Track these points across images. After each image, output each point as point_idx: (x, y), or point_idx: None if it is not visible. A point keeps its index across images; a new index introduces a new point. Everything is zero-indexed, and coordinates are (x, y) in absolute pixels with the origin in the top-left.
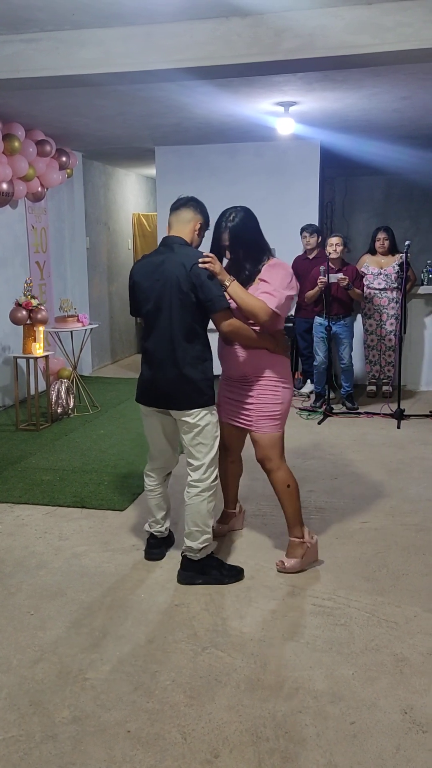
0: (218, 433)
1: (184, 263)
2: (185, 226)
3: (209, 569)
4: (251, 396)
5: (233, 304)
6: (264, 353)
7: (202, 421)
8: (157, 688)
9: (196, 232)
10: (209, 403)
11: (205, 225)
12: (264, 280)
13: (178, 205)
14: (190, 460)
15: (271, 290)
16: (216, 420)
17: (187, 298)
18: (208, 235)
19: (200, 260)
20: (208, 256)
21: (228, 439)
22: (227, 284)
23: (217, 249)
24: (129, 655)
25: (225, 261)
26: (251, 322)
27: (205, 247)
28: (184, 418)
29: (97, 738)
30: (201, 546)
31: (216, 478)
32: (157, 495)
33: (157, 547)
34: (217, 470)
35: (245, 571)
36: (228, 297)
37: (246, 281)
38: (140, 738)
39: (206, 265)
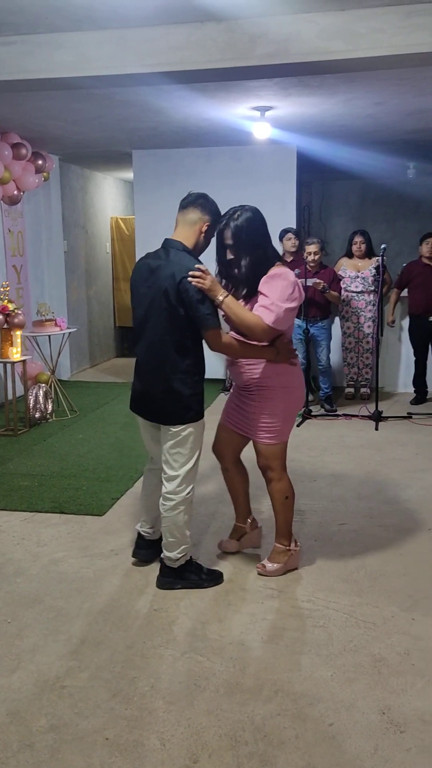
0: (200, 444)
1: (174, 274)
2: (190, 228)
3: (188, 574)
4: (253, 405)
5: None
6: (266, 363)
7: (184, 432)
8: (136, 695)
9: (202, 234)
10: (196, 419)
11: (213, 226)
12: (262, 293)
13: (185, 203)
14: (166, 469)
15: (268, 304)
16: (200, 432)
17: (176, 311)
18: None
19: (190, 273)
20: (198, 269)
21: (223, 444)
22: (219, 299)
23: (220, 248)
24: (107, 662)
25: (229, 257)
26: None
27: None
28: (169, 428)
29: (74, 746)
30: (179, 555)
31: (192, 489)
32: (148, 495)
33: (144, 548)
34: (193, 485)
35: (224, 575)
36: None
37: (248, 290)
38: (118, 745)
39: (195, 281)
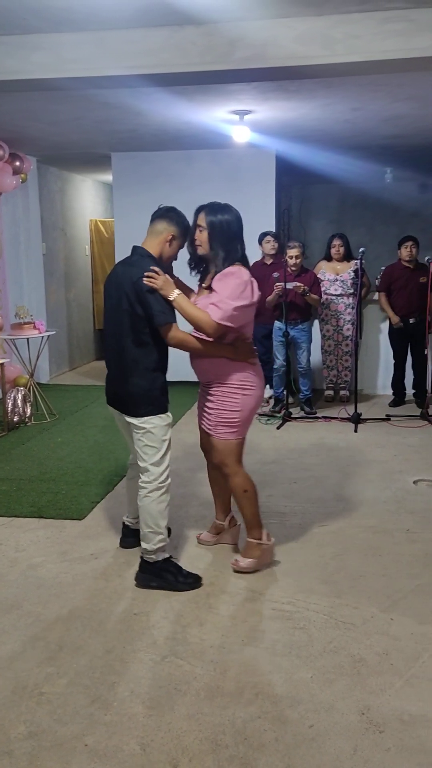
0: (167, 436)
1: (132, 276)
2: (156, 237)
3: (165, 573)
4: (212, 401)
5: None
6: (225, 360)
7: (148, 425)
8: (116, 700)
9: (167, 243)
10: (158, 412)
11: (179, 237)
12: (214, 290)
13: (154, 216)
14: (138, 461)
15: (216, 301)
16: (165, 424)
17: (134, 309)
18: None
19: (145, 274)
20: (153, 270)
21: (204, 443)
22: (171, 298)
23: (192, 233)
24: (86, 667)
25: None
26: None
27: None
28: (131, 421)
29: (53, 753)
30: (155, 547)
31: (166, 478)
32: (130, 487)
33: (129, 536)
34: (167, 471)
35: (205, 578)
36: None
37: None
38: (98, 751)
39: (148, 281)
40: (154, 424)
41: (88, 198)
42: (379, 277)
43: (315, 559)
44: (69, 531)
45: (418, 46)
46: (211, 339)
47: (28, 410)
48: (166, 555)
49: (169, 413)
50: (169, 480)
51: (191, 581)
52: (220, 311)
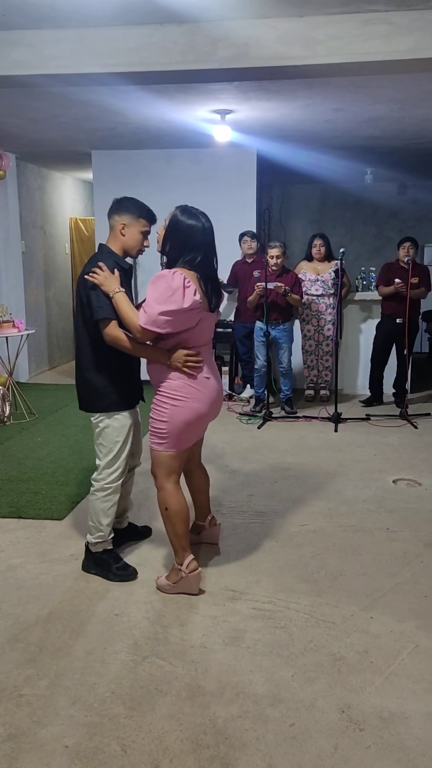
0: (120, 438)
1: (83, 272)
2: (112, 232)
3: (103, 563)
4: (151, 407)
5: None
6: (161, 367)
7: (102, 424)
8: (96, 701)
9: (122, 234)
10: (108, 409)
11: (131, 223)
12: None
13: (108, 214)
14: (96, 458)
15: (144, 305)
16: (120, 426)
17: (83, 306)
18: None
19: (92, 270)
20: (98, 266)
21: None
22: (111, 295)
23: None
24: (67, 669)
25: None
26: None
27: None
28: (90, 418)
29: (33, 755)
30: (95, 541)
31: (114, 480)
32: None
33: (116, 535)
34: (115, 474)
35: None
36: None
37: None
38: (78, 752)
39: (90, 277)
40: (106, 423)
41: (68, 196)
42: (362, 275)
43: (295, 559)
44: (49, 531)
45: (398, 48)
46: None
47: (7, 410)
48: (108, 547)
49: (126, 414)
50: (118, 482)
51: (123, 573)
52: (145, 315)
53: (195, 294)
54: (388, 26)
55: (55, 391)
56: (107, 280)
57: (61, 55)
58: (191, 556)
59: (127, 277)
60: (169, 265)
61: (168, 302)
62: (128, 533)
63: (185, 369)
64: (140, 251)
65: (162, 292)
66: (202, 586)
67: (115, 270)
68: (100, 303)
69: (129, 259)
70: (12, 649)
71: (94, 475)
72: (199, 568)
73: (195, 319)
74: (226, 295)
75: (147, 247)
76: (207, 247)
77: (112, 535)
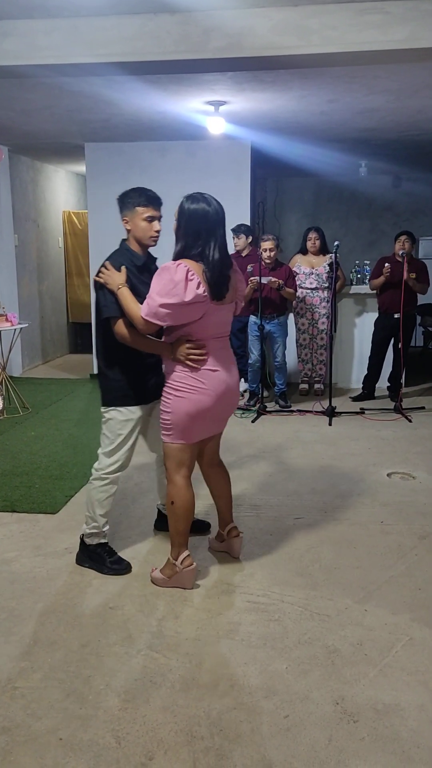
0: (124, 431)
1: (98, 272)
2: (124, 228)
3: (97, 556)
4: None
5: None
6: (167, 360)
7: (108, 415)
8: (91, 694)
9: (128, 229)
10: (113, 403)
11: (131, 215)
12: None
13: None
14: (99, 448)
15: (147, 297)
16: (124, 419)
17: (96, 305)
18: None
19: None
20: (103, 266)
21: None
22: (115, 290)
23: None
24: (61, 662)
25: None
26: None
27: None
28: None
29: (27, 747)
30: (89, 531)
31: (112, 471)
32: (159, 474)
33: (163, 520)
34: (115, 465)
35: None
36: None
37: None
38: (73, 745)
39: (96, 277)
40: (112, 415)
41: (61, 189)
42: (356, 269)
43: (290, 552)
44: (43, 525)
45: (393, 38)
46: (148, 334)
47: (1, 404)
48: (101, 540)
49: (131, 409)
50: (117, 474)
51: (117, 568)
52: (147, 307)
53: (198, 287)
54: (384, 15)
55: (49, 385)
56: (110, 277)
57: (54, 45)
58: (187, 552)
59: (142, 272)
60: (176, 255)
61: (169, 295)
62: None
63: (188, 362)
64: (153, 238)
65: (164, 285)
66: (197, 579)
67: (123, 267)
68: (106, 302)
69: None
70: (6, 642)
71: (95, 464)
72: (194, 564)
73: (198, 313)
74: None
75: (158, 231)
76: (214, 233)
77: (107, 527)
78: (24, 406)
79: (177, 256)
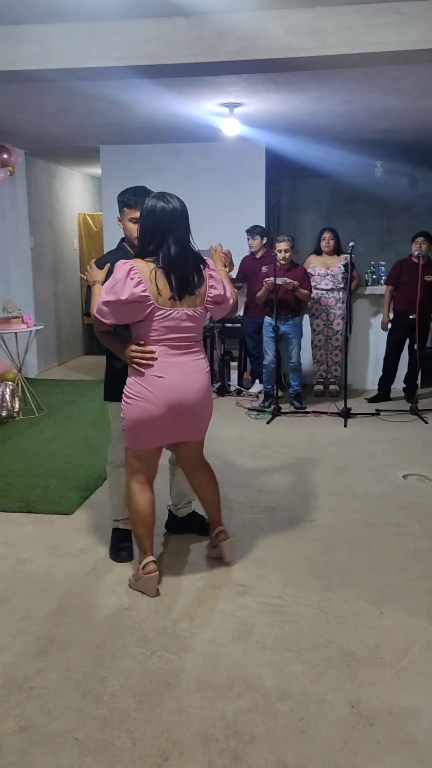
0: (120, 428)
1: None
2: None
3: (112, 538)
4: None
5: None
6: (125, 364)
7: (110, 407)
8: (106, 694)
9: (121, 227)
10: (109, 399)
11: (122, 216)
12: None
13: None
14: None
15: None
16: (117, 416)
17: None
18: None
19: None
20: (88, 265)
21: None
22: (91, 287)
23: None
24: (77, 662)
25: None
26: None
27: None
28: None
29: (44, 747)
30: (111, 514)
31: (116, 459)
32: (174, 473)
33: (175, 523)
34: (118, 458)
35: (195, 573)
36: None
37: None
38: (88, 745)
39: (81, 273)
40: (109, 408)
41: (76, 191)
42: (372, 269)
43: (305, 554)
44: (58, 526)
45: (409, 38)
46: (101, 330)
47: (17, 405)
48: (120, 527)
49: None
50: (121, 462)
51: (116, 554)
52: (95, 304)
53: (137, 286)
54: (399, 16)
55: (64, 386)
56: (89, 275)
57: (69, 49)
58: (149, 558)
59: None
60: (134, 255)
61: (110, 292)
62: (189, 523)
63: (133, 365)
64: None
65: (108, 283)
66: (211, 581)
67: (107, 265)
68: (88, 299)
69: None
70: (22, 641)
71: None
72: (156, 572)
73: (140, 313)
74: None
75: None
76: (172, 232)
77: (124, 516)
78: (39, 408)
79: (135, 256)
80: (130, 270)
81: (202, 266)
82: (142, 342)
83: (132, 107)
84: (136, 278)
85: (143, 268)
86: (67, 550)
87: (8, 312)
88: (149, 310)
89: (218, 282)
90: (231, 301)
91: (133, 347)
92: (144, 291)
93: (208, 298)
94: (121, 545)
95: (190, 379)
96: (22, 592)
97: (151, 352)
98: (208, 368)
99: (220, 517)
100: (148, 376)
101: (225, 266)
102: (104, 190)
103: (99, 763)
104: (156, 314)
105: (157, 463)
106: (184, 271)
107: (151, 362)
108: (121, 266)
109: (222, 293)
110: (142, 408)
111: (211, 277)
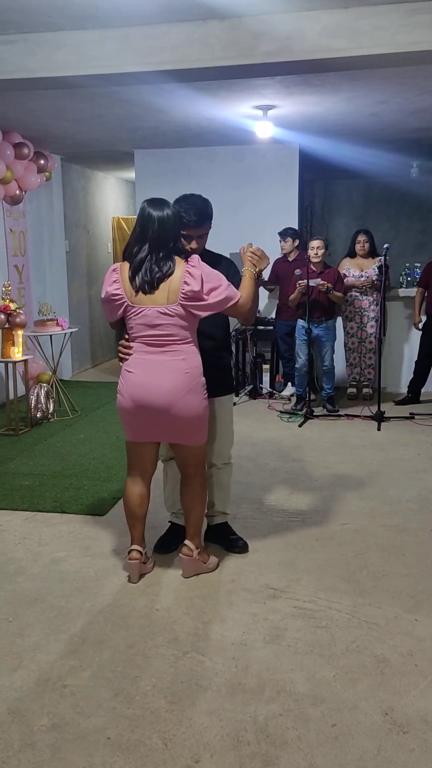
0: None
1: None
2: None
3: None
4: None
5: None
6: None
7: None
8: (138, 694)
9: None
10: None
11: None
12: None
13: None
14: None
15: None
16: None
17: None
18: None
19: None
20: None
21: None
22: None
23: None
24: (109, 661)
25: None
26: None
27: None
28: None
29: (76, 745)
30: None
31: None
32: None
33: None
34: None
35: (226, 575)
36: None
37: None
38: (120, 744)
39: None
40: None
41: (110, 195)
42: (406, 271)
43: (336, 558)
44: (91, 526)
45: None
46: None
47: (51, 406)
48: (170, 519)
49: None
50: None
51: (157, 544)
52: None
53: (112, 285)
54: None
55: (98, 388)
56: None
57: (105, 54)
58: (133, 546)
59: None
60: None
61: (102, 291)
62: (215, 533)
63: (119, 356)
64: (187, 251)
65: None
66: (242, 584)
67: None
68: None
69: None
70: (56, 639)
71: None
72: (137, 560)
73: (116, 310)
74: (222, 294)
75: (191, 248)
76: (153, 233)
77: (172, 510)
78: (73, 409)
79: (122, 258)
80: (112, 271)
81: (172, 263)
82: (127, 337)
83: (167, 111)
84: (114, 277)
85: (123, 268)
86: (99, 550)
87: (43, 315)
88: (123, 308)
89: (196, 278)
90: (233, 302)
91: (121, 342)
92: (117, 289)
93: (182, 294)
94: (161, 536)
95: (159, 378)
96: (56, 591)
97: (129, 347)
98: (189, 371)
99: (193, 531)
100: (123, 370)
101: (255, 266)
102: (138, 193)
103: (130, 763)
104: (129, 312)
105: (150, 459)
106: (148, 266)
107: (126, 357)
108: (111, 269)
109: (197, 289)
110: (118, 400)
111: (188, 273)
